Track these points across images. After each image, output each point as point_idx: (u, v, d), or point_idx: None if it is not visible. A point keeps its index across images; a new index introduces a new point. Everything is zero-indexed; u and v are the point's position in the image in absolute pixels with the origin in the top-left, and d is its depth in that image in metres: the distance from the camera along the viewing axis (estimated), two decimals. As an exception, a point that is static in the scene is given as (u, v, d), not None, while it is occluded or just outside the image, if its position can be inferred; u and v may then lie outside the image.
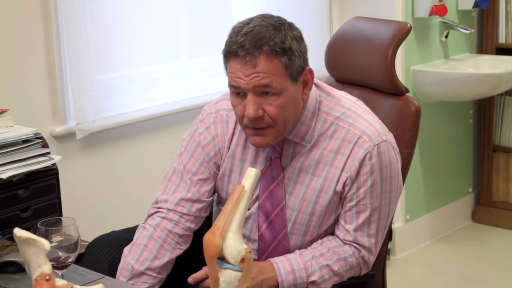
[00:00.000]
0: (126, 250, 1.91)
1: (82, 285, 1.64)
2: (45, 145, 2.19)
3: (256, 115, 1.77)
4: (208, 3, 3.08)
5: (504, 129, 4.03)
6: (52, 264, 1.42)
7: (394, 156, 1.89)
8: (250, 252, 1.62)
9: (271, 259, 1.88)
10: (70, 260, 1.60)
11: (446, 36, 3.74)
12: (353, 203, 1.87)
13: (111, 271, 1.88)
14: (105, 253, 1.92)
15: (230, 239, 1.62)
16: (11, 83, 2.48)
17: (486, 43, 3.99)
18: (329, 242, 1.90)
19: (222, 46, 3.13)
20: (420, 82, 3.60)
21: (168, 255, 1.91)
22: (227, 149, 1.94)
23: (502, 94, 3.99)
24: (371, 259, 1.93)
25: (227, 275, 1.63)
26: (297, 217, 1.90)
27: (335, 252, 1.88)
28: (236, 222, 1.63)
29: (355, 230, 1.88)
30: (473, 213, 4.17)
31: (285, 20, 1.82)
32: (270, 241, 1.92)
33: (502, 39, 3.95)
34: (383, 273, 2.17)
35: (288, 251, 1.92)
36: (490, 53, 3.96)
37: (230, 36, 1.81)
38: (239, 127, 1.92)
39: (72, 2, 2.54)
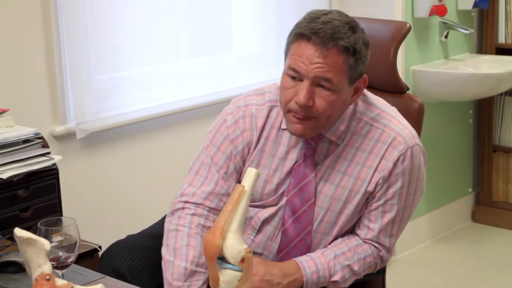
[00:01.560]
0: (168, 256, 1.84)
1: (82, 285, 1.64)
2: (45, 145, 2.19)
3: (307, 104, 1.76)
4: (208, 3, 3.08)
5: (504, 129, 4.03)
6: (52, 264, 1.42)
7: (423, 160, 1.92)
8: (250, 252, 1.63)
9: (296, 259, 1.88)
10: (70, 260, 1.60)
11: (446, 36, 3.74)
12: (381, 202, 1.88)
13: (131, 277, 1.85)
14: (123, 258, 1.88)
15: (230, 239, 1.62)
16: (11, 83, 2.48)
17: (486, 43, 3.99)
18: (349, 241, 1.92)
19: (222, 46, 3.18)
20: (420, 82, 3.60)
21: None
22: (255, 144, 1.92)
23: (502, 94, 3.99)
24: (389, 258, 1.96)
25: (227, 275, 1.63)
26: (325, 216, 1.90)
27: (355, 251, 1.90)
28: (236, 222, 1.63)
29: (379, 229, 1.90)
30: (473, 213, 4.17)
31: (359, 23, 1.82)
32: (294, 237, 1.92)
33: (502, 39, 3.95)
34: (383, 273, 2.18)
35: (309, 248, 1.92)
36: (490, 53, 3.96)
37: (305, 19, 1.79)
38: (270, 122, 1.92)
39: (72, 2, 2.54)
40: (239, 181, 1.95)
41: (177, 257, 1.83)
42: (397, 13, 3.48)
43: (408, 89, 2.21)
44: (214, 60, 3.14)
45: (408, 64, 3.59)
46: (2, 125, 2.15)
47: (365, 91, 1.94)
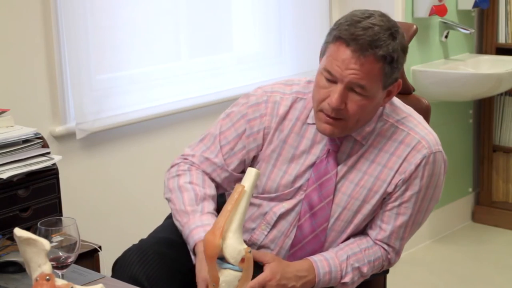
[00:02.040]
0: (174, 195, 1.92)
1: (82, 285, 1.64)
2: (45, 145, 2.19)
3: (339, 107, 1.77)
4: (208, 3, 3.08)
5: (504, 129, 4.03)
6: (52, 264, 1.42)
7: (443, 168, 1.94)
8: (250, 252, 1.63)
9: (310, 258, 1.87)
10: (70, 260, 1.60)
11: (446, 36, 3.74)
12: (396, 204, 1.89)
13: (150, 285, 1.82)
14: (142, 265, 1.84)
15: (230, 239, 1.62)
16: (11, 83, 2.48)
17: (486, 43, 3.99)
18: (361, 242, 1.92)
19: (222, 46, 3.17)
20: (420, 82, 3.60)
21: (213, 188, 1.94)
22: (273, 130, 1.94)
23: (502, 94, 3.99)
24: (397, 260, 1.96)
25: (227, 275, 1.64)
26: (341, 214, 1.91)
27: (366, 253, 1.90)
28: (236, 222, 1.63)
29: (391, 231, 1.90)
30: (473, 213, 4.17)
31: (400, 28, 1.81)
32: (308, 233, 1.92)
33: (502, 39, 3.95)
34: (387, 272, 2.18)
35: (322, 245, 1.92)
36: (490, 53, 3.96)
37: (346, 22, 1.79)
38: (294, 114, 1.93)
39: (72, 2, 2.54)
40: (243, 162, 1.97)
41: (183, 192, 1.90)
42: (397, 13, 3.48)
43: (414, 90, 2.22)
44: (214, 60, 3.14)
45: (409, 64, 3.59)
46: (2, 125, 2.15)
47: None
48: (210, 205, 1.90)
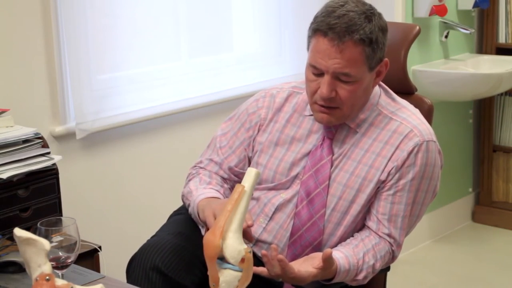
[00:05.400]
0: (185, 188, 2.03)
1: (82, 285, 1.64)
2: (45, 145, 2.19)
3: (329, 96, 1.84)
4: (208, 3, 3.08)
5: (504, 129, 4.03)
6: (52, 264, 1.42)
7: (439, 160, 1.94)
8: (250, 252, 1.63)
9: (337, 263, 1.82)
10: (70, 260, 1.60)
11: (446, 36, 3.74)
12: (391, 192, 1.90)
13: (170, 273, 1.83)
14: (161, 256, 1.86)
15: (230, 239, 1.62)
16: (11, 83, 2.48)
17: (486, 43, 3.99)
18: (370, 238, 1.91)
19: (222, 46, 3.18)
20: (420, 82, 3.60)
21: (219, 181, 2.03)
22: (268, 121, 2.02)
23: (502, 94, 3.99)
24: (398, 254, 1.96)
25: (227, 275, 1.63)
26: (337, 204, 1.92)
27: (377, 249, 1.90)
28: (236, 222, 1.63)
29: (389, 221, 1.90)
30: (473, 213, 4.17)
31: (375, 9, 1.87)
32: (306, 220, 1.93)
33: (502, 39, 3.95)
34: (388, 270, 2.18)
35: (322, 234, 1.93)
36: (490, 53, 3.96)
37: (322, 14, 1.84)
38: (290, 106, 2.02)
39: (72, 2, 2.54)
40: (244, 159, 2.04)
41: (191, 183, 2.02)
42: (397, 13, 3.48)
43: (416, 90, 2.24)
44: (214, 60, 3.14)
45: (409, 64, 3.55)
46: (2, 125, 2.15)
47: (389, 89, 2.00)
48: (215, 187, 1.99)
